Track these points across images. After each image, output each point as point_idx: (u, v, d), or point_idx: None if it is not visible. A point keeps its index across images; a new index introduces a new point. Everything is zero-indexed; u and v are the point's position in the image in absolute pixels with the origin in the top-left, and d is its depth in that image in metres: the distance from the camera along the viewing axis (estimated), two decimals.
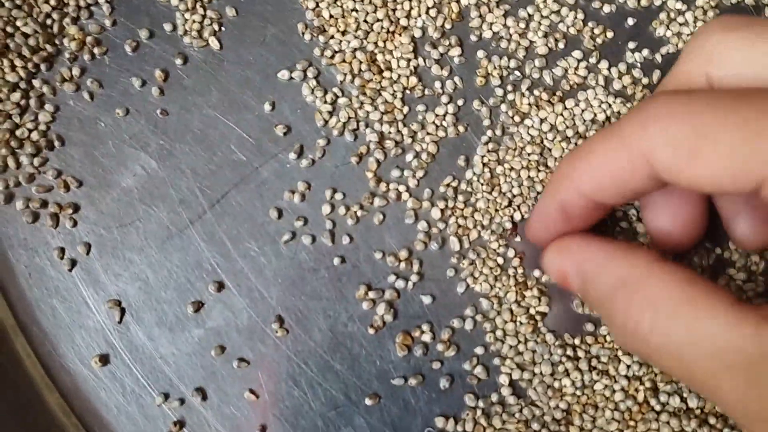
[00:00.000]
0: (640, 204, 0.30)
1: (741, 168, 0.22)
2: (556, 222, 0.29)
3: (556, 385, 0.33)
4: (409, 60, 0.35)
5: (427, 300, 0.34)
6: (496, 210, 0.34)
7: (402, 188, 0.35)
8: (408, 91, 0.35)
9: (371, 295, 0.34)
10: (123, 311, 0.34)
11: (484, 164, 0.35)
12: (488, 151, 0.35)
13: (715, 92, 0.24)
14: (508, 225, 0.34)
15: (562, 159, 0.27)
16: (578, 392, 0.33)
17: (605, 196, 0.26)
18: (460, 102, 0.35)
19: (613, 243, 0.27)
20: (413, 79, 0.35)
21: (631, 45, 0.36)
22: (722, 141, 0.22)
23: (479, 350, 0.34)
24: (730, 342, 0.23)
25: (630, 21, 0.36)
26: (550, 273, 0.30)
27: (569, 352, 0.33)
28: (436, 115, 0.35)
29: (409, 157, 0.35)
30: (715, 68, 0.25)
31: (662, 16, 0.36)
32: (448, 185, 0.35)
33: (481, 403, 0.33)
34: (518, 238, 0.34)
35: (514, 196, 0.35)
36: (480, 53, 0.36)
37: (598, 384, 0.33)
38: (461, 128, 0.35)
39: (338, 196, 0.35)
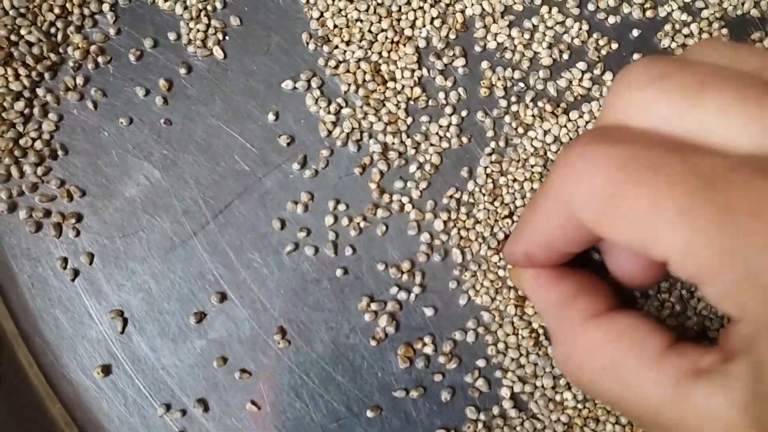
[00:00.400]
0: (600, 248, 0.30)
1: (649, 242, 0.21)
2: (526, 263, 0.28)
3: (558, 398, 0.33)
4: (413, 70, 0.35)
5: (429, 312, 0.34)
6: (496, 221, 0.34)
7: (405, 199, 0.35)
8: (412, 102, 0.35)
9: (373, 306, 0.34)
10: (125, 322, 0.34)
11: (487, 175, 0.35)
12: (491, 162, 0.35)
13: (636, 145, 0.22)
14: (501, 236, 0.34)
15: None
16: (579, 405, 0.33)
17: (560, 247, 0.25)
18: (463, 113, 0.35)
19: (564, 289, 0.27)
20: (417, 90, 0.35)
21: (636, 56, 0.36)
22: (633, 208, 0.21)
23: (481, 363, 0.34)
24: (653, 401, 0.23)
25: (635, 32, 0.36)
26: (506, 258, 0.30)
27: None
28: (440, 126, 0.35)
29: (412, 168, 0.35)
30: (632, 123, 0.22)
31: (667, 27, 0.36)
32: (451, 197, 0.35)
33: (482, 416, 0.33)
34: None
35: (516, 207, 0.34)
36: (484, 64, 0.35)
37: None
38: (465, 139, 0.35)
39: (341, 207, 0.35)
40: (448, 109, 0.35)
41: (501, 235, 0.34)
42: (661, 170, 0.20)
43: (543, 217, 0.25)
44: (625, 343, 0.24)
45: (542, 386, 0.33)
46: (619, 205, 0.21)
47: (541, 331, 0.34)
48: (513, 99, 0.35)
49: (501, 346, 0.34)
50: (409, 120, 0.35)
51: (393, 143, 0.35)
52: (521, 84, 0.35)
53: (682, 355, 0.23)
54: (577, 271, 0.28)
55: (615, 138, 0.22)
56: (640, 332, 0.24)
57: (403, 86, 0.35)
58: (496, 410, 0.33)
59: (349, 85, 0.35)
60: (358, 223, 0.34)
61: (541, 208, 0.25)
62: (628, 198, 0.21)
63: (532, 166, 0.35)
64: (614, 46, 0.36)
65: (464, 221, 0.34)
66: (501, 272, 0.34)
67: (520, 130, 0.35)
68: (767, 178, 0.19)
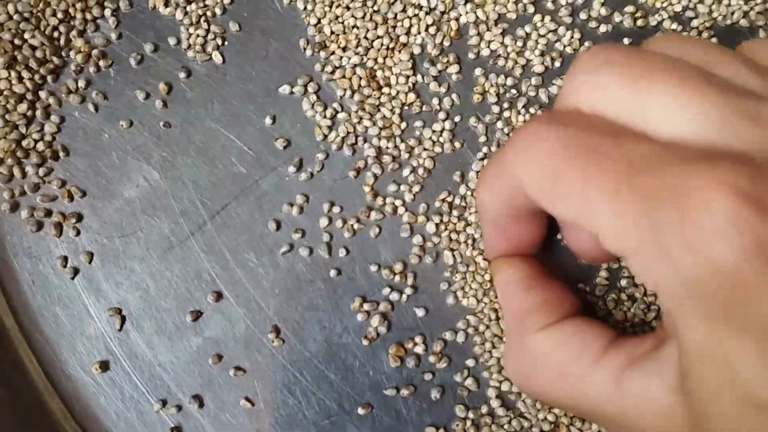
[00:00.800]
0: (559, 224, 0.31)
1: (583, 219, 0.22)
2: (497, 239, 0.30)
3: None
4: (407, 76, 0.36)
5: (420, 312, 0.35)
6: None
7: (398, 202, 0.35)
8: (406, 107, 0.36)
9: (366, 306, 0.35)
10: (123, 319, 0.35)
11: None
12: (483, 166, 0.35)
13: (579, 128, 0.23)
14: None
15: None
16: None
17: (508, 216, 0.28)
18: (456, 118, 0.36)
19: (523, 298, 0.29)
20: (411, 96, 0.36)
21: None
22: (569, 186, 0.22)
23: (470, 362, 0.35)
24: (598, 401, 0.24)
25: (626, 41, 0.37)
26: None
27: None
28: (433, 131, 0.36)
29: (405, 171, 0.36)
30: (583, 107, 0.24)
31: (658, 36, 0.37)
32: (443, 200, 0.35)
33: (471, 414, 0.34)
34: None
35: None
36: (477, 71, 0.36)
37: None
38: (457, 144, 0.36)
39: (336, 209, 0.35)
40: (441, 115, 0.36)
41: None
42: (595, 153, 0.22)
43: (492, 184, 0.27)
44: (567, 350, 0.25)
45: None
46: (558, 182, 0.23)
47: None
48: (505, 105, 0.36)
49: (488, 345, 0.34)
50: (403, 125, 0.36)
51: (387, 147, 0.36)
52: (513, 91, 0.36)
53: (620, 349, 0.24)
54: (549, 281, 0.29)
55: (564, 120, 0.24)
56: (581, 336, 0.26)
57: (398, 92, 0.36)
58: (484, 409, 0.34)
59: (345, 90, 0.36)
60: (352, 225, 0.35)
61: (491, 175, 0.27)
62: (565, 177, 0.22)
63: None
64: None
65: (455, 224, 0.35)
66: (487, 276, 0.35)
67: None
68: (685, 164, 0.20)
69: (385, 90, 0.36)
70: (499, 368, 0.34)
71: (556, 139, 0.23)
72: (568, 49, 0.36)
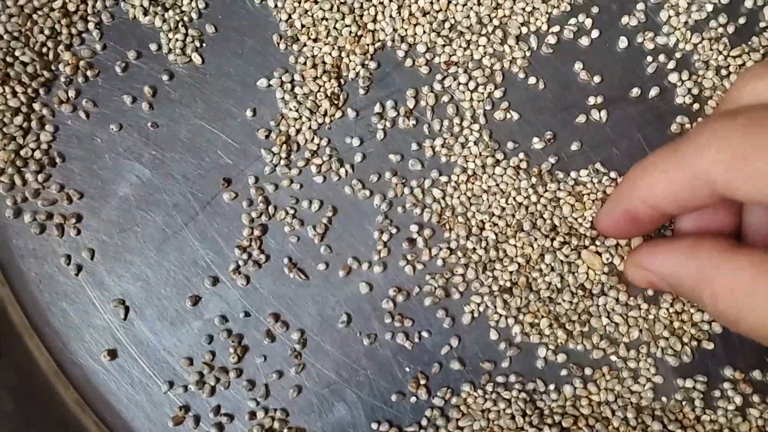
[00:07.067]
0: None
1: None
2: (622, 223, 0.32)
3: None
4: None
5: (408, 270, 0.37)
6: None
7: (374, 178, 0.37)
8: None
9: (354, 277, 0.36)
10: (127, 309, 0.36)
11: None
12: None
13: (761, 115, 0.26)
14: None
15: (629, 170, 0.31)
16: None
17: (666, 208, 0.29)
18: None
19: (679, 244, 0.30)
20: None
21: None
22: (764, 164, 0.24)
23: (466, 319, 0.36)
24: None
25: None
26: (637, 284, 0.34)
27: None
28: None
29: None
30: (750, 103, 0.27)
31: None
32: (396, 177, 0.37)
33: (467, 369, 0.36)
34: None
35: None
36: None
37: None
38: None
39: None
40: None
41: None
42: None
43: (661, 179, 0.28)
44: (764, 269, 0.26)
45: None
46: (751, 163, 0.25)
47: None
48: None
49: (479, 300, 0.36)
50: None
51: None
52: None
53: None
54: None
55: (735, 113, 0.26)
56: None
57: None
58: (487, 365, 0.36)
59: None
60: (334, 206, 0.37)
61: (660, 171, 0.28)
62: (758, 157, 0.24)
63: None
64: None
65: (442, 187, 0.37)
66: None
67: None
68: None
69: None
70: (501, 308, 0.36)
71: (744, 127, 0.25)
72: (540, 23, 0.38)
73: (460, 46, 0.38)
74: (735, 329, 0.28)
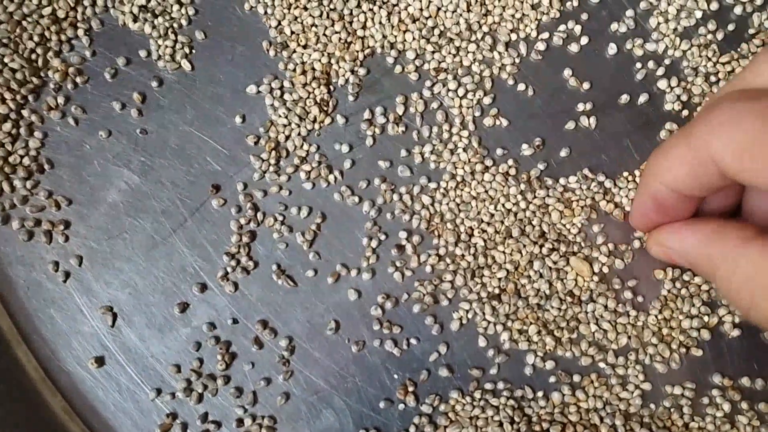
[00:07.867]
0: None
1: None
2: (652, 212, 0.32)
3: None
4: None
5: (397, 277, 0.37)
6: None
7: (363, 184, 0.37)
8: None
9: (343, 284, 0.36)
10: (115, 316, 0.36)
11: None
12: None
13: None
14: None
15: (649, 157, 0.31)
16: None
17: (686, 190, 0.29)
18: None
19: (701, 226, 0.30)
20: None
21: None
22: None
23: (454, 326, 0.36)
24: None
25: None
26: (659, 258, 0.34)
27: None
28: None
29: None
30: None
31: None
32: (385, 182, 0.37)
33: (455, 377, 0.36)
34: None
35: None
36: None
37: None
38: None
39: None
40: None
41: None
42: None
43: (674, 162, 0.28)
44: None
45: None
46: (761, 149, 0.24)
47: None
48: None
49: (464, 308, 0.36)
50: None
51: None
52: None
53: None
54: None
55: (754, 96, 0.26)
56: None
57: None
58: (476, 372, 0.36)
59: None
60: (323, 213, 0.37)
61: (672, 154, 0.28)
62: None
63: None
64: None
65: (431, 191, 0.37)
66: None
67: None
68: None
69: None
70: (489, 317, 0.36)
71: (754, 110, 0.25)
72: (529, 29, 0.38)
73: (450, 53, 0.38)
74: (746, 316, 0.27)
